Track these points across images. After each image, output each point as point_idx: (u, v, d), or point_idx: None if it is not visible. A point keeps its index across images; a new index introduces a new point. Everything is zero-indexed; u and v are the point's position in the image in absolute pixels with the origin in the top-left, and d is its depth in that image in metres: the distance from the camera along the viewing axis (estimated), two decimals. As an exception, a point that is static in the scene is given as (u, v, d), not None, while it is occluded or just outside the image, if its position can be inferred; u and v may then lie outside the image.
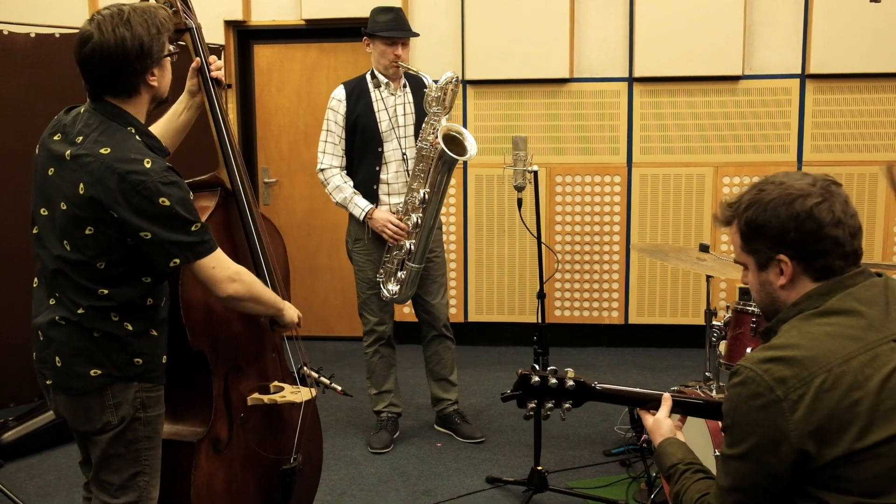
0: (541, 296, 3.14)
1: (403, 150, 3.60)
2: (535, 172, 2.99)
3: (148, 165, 1.90)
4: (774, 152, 4.95)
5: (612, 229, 5.13)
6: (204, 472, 2.28)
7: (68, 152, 1.94)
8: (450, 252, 5.23)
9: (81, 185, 1.90)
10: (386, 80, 3.60)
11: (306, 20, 5.17)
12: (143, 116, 2.04)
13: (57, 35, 4.11)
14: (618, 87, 5.02)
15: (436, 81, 3.44)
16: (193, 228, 1.95)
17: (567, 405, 1.80)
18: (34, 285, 2.09)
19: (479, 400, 4.29)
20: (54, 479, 3.42)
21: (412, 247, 3.50)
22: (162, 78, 2.04)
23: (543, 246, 3.22)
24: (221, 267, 2.02)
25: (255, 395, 2.40)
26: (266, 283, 2.36)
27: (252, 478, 2.42)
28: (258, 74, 5.39)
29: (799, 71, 4.88)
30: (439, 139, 3.32)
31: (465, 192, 5.18)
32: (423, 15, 5.13)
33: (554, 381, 1.78)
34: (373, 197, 3.60)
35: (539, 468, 3.11)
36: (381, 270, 3.58)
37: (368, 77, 3.64)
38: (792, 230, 1.45)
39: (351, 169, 3.65)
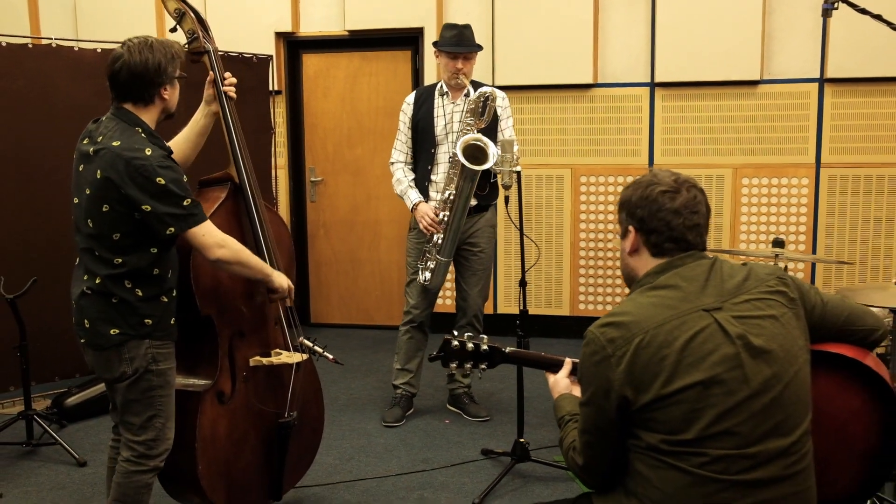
0: (522, 284, 3.42)
1: (452, 154, 3.90)
2: (519, 172, 3.29)
3: (148, 153, 2.35)
4: (793, 154, 5.10)
5: (633, 227, 5.36)
6: (209, 419, 2.68)
7: (91, 149, 2.40)
8: (479, 247, 5.56)
9: (99, 171, 2.35)
10: (447, 90, 3.96)
11: (349, 31, 5.59)
12: (154, 124, 2.49)
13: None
14: (640, 91, 5.25)
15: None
16: (185, 203, 2.38)
17: (483, 366, 2.14)
18: (76, 264, 2.54)
19: (493, 384, 4.60)
20: (106, 438, 3.84)
21: (439, 240, 3.83)
22: (172, 94, 2.51)
23: (526, 238, 3.50)
24: (210, 235, 2.43)
25: (257, 357, 2.80)
26: (266, 261, 2.75)
27: (252, 429, 2.81)
28: (306, 81, 5.85)
29: (817, 75, 5.02)
30: (458, 151, 3.61)
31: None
32: (456, 25, 5.47)
33: (471, 345, 2.11)
34: (425, 192, 3.96)
35: (522, 440, 3.41)
36: (423, 258, 3.92)
37: (438, 86, 4.02)
38: (640, 207, 1.76)
39: (414, 166, 4.03)
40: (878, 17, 3.22)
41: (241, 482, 2.80)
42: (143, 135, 2.42)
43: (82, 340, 2.51)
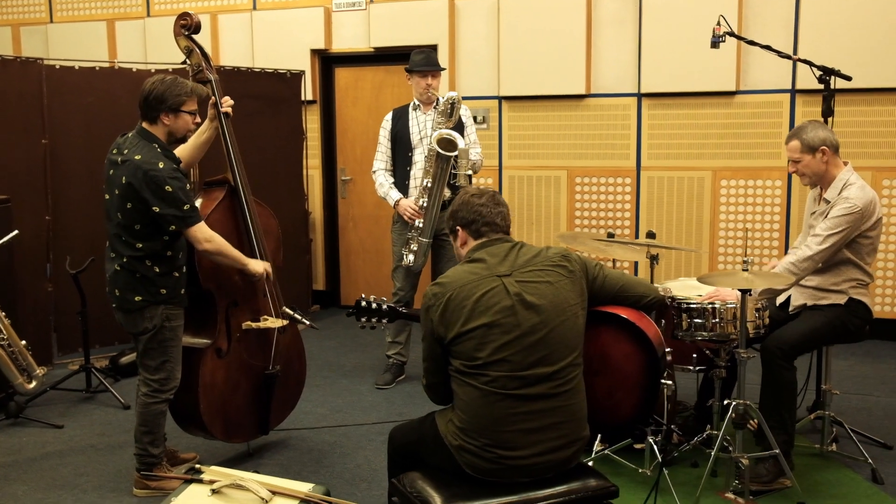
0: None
1: (427, 150, 4.64)
2: (470, 176, 3.98)
3: (161, 166, 3.12)
4: (767, 158, 5.59)
5: (623, 224, 5.95)
6: (209, 369, 3.47)
7: (119, 159, 3.20)
8: (485, 240, 6.24)
9: (124, 177, 3.14)
10: (418, 104, 4.72)
11: (374, 48, 6.35)
12: (165, 139, 3.25)
13: (170, 70, 5.50)
14: (628, 101, 5.83)
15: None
16: (185, 208, 3.15)
17: (385, 321, 2.86)
18: (107, 246, 3.36)
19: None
20: (151, 391, 4.77)
21: (420, 225, 4.56)
22: (174, 122, 3.24)
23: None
24: (201, 232, 3.21)
25: (248, 322, 3.57)
26: (254, 249, 3.52)
27: (244, 378, 3.60)
28: (338, 92, 6.65)
29: (789, 86, 5.49)
30: (433, 142, 4.37)
31: (500, 189, 6.16)
32: (467, 43, 6.17)
33: (375, 304, 2.84)
34: (406, 189, 4.71)
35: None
36: (407, 245, 4.66)
37: (411, 103, 4.79)
38: (460, 210, 2.49)
39: (394, 170, 4.80)
40: (767, 48, 3.77)
41: (235, 419, 3.59)
42: (158, 150, 3.19)
43: (114, 305, 3.33)
